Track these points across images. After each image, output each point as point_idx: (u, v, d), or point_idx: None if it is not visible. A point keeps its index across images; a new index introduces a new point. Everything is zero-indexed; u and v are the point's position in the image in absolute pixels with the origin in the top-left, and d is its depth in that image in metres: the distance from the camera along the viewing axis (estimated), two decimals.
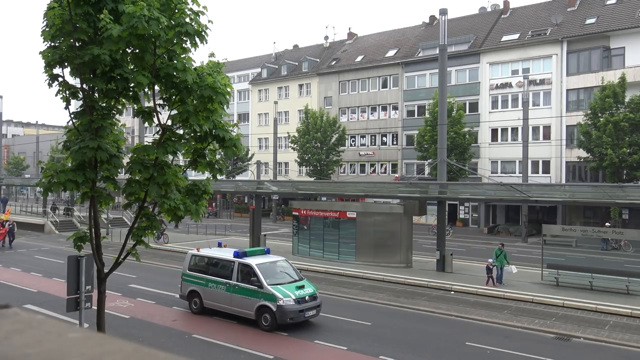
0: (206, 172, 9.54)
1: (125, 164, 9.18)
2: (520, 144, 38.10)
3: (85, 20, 8.32)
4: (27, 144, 74.81)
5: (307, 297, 15.02)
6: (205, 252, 17.44)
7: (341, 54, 56.27)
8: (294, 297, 14.62)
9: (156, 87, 8.96)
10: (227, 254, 16.82)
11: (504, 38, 44.05)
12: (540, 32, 42.45)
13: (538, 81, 40.61)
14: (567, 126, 39.77)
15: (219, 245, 18.49)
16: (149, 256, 24.76)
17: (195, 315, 16.33)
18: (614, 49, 38.73)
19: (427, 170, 38.22)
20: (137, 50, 8.40)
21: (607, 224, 31.45)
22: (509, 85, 42.62)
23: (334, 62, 55.08)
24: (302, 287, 15.27)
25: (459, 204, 44.65)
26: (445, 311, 17.20)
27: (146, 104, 10.00)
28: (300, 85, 56.66)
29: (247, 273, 15.38)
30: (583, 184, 34.57)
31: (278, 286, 14.90)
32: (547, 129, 40.84)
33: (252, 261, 15.57)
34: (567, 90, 40.09)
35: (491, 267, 20.57)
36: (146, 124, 9.43)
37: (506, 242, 36.31)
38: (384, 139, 50.07)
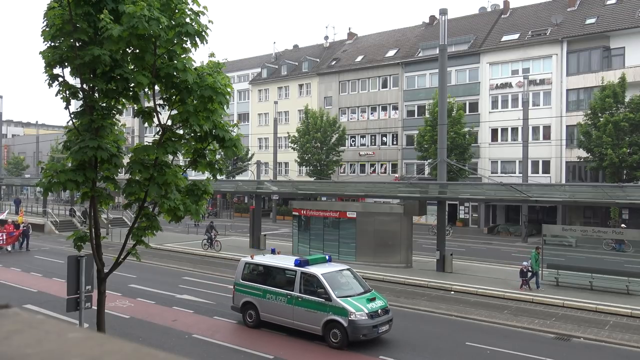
0: (206, 172, 9.54)
1: (125, 164, 9.18)
2: (520, 144, 38.10)
3: (85, 20, 8.32)
4: (27, 144, 74.82)
5: (379, 311, 13.58)
6: (261, 259, 15.96)
7: (341, 54, 56.27)
8: (366, 311, 13.21)
9: (156, 87, 8.96)
10: (285, 261, 15.43)
11: (504, 38, 44.06)
12: (540, 32, 42.46)
13: (538, 81, 40.61)
14: (567, 126, 39.78)
15: (273, 252, 16.90)
16: (149, 256, 24.77)
17: (194, 316, 16.31)
18: (614, 49, 38.73)
19: (427, 170, 38.22)
20: (138, 50, 8.40)
21: (622, 225, 31.13)
22: (509, 85, 42.62)
23: (334, 62, 55.08)
24: (373, 299, 13.82)
25: (459, 204, 44.65)
26: (445, 311, 17.20)
27: (146, 104, 10.00)
28: (300, 85, 56.66)
29: (312, 284, 13.98)
30: (583, 184, 34.57)
31: (348, 298, 13.47)
32: (547, 129, 40.85)
33: (317, 270, 14.11)
34: (567, 90, 40.09)
35: (526, 270, 19.84)
36: (146, 124, 9.43)
37: (506, 242, 36.64)
38: (384, 139, 50.07)
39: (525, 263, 20.14)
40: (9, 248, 29.48)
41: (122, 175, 10.20)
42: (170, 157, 9.45)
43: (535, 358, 12.88)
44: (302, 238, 28.04)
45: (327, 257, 15.66)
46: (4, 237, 29.08)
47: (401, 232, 24.73)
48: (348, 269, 15.11)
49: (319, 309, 13.56)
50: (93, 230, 9.26)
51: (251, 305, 15.08)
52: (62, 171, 8.63)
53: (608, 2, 41.90)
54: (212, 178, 9.70)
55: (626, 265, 20.05)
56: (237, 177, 48.43)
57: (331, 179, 46.28)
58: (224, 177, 35.23)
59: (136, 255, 9.58)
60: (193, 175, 13.46)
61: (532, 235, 37.24)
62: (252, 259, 15.93)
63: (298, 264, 14.54)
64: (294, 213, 29.03)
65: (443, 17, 25.75)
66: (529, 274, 19.96)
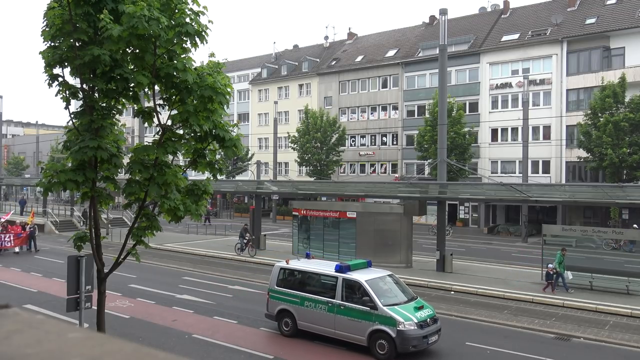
0: (206, 172, 9.54)
1: (125, 164, 9.18)
2: (520, 144, 38.10)
3: (85, 20, 8.32)
4: (27, 144, 74.83)
5: (428, 320, 12.76)
6: (296, 264, 15.02)
7: (341, 54, 56.28)
8: (416, 320, 12.37)
9: (156, 87, 8.96)
10: (323, 266, 14.65)
11: (504, 38, 44.07)
12: (540, 32, 42.47)
13: (538, 81, 40.62)
14: (567, 126, 39.79)
15: (307, 256, 16.15)
16: (149, 256, 24.76)
17: (194, 316, 16.30)
18: (614, 49, 38.74)
19: (427, 170, 38.22)
20: (137, 50, 8.40)
21: (634, 225, 30.67)
22: (509, 85, 42.63)
23: (334, 62, 55.09)
24: (421, 307, 13.03)
25: (459, 204, 44.66)
26: (445, 311, 17.19)
27: (146, 104, 10.00)
28: (300, 85, 56.67)
29: (355, 291, 13.18)
30: (583, 184, 34.58)
31: (395, 307, 12.67)
32: (547, 129, 40.86)
33: (360, 277, 13.25)
34: (567, 90, 40.10)
35: (552, 273, 19.37)
36: (146, 124, 9.43)
37: (506, 242, 36.64)
38: (384, 139, 50.08)
39: (550, 265, 19.43)
40: (17, 249, 28.96)
41: (122, 175, 10.20)
42: (170, 157, 9.45)
43: (535, 358, 12.88)
44: (302, 238, 28.05)
45: (367, 262, 14.72)
46: (12, 239, 28.58)
47: (401, 232, 24.74)
48: (390, 275, 14.19)
49: (364, 318, 12.70)
50: (93, 230, 9.26)
51: (287, 313, 14.22)
52: (62, 171, 8.64)
53: (608, 2, 41.91)
54: (212, 178, 9.71)
55: (626, 265, 20.06)
56: (237, 177, 48.43)
57: (331, 179, 46.28)
58: (224, 177, 35.21)
59: (136, 256, 9.57)
60: (193, 175, 13.46)
61: (532, 235, 37.24)
62: (288, 264, 14.97)
63: (339, 269, 13.69)
64: (294, 213, 29.03)
65: (443, 17, 25.75)
66: (554, 275, 19.36)
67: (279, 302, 14.45)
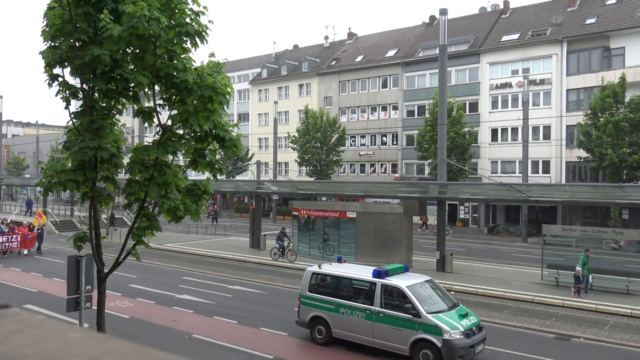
0: (206, 172, 9.54)
1: (125, 164, 9.19)
2: (520, 144, 38.10)
3: (85, 20, 8.32)
4: (27, 144, 74.82)
5: (474, 328, 12.13)
6: (329, 269, 14.29)
7: (341, 54, 56.28)
8: (462, 329, 11.72)
9: (156, 87, 8.96)
10: (360, 271, 14.00)
11: (504, 38, 44.07)
12: (540, 32, 42.47)
13: (538, 81, 40.62)
14: (567, 126, 39.79)
15: (339, 260, 15.40)
16: (149, 256, 24.77)
17: (194, 316, 16.30)
18: (614, 49, 38.74)
19: (427, 170, 38.22)
20: (137, 50, 8.41)
21: None
22: (509, 85, 42.63)
23: (334, 62, 55.09)
24: (465, 315, 12.39)
25: (459, 204, 44.66)
26: None
27: (146, 104, 10.00)
28: (300, 85, 56.67)
29: (395, 297, 12.58)
30: (583, 184, 34.57)
31: (439, 315, 12.00)
32: (547, 129, 40.86)
33: (401, 283, 12.65)
34: (567, 90, 40.10)
35: (581, 276, 18.78)
36: (146, 124, 9.43)
37: (506, 242, 36.64)
38: (384, 139, 50.08)
39: (578, 268, 18.76)
40: (25, 251, 28.47)
41: (122, 175, 10.21)
42: (170, 157, 9.45)
43: (535, 358, 12.88)
44: (302, 238, 28.05)
45: (405, 267, 14.10)
46: (19, 240, 28.04)
47: (401, 232, 24.74)
48: (429, 280, 13.56)
49: (406, 327, 12.01)
50: (93, 230, 9.26)
51: (321, 320, 13.53)
52: (62, 171, 8.64)
53: (608, 2, 41.91)
54: (212, 178, 9.71)
55: (626, 265, 20.06)
56: (237, 177, 48.44)
57: (331, 179, 46.28)
58: (224, 177, 35.22)
59: (136, 256, 9.58)
60: (193, 175, 13.47)
61: (532, 235, 37.24)
62: (320, 268, 14.32)
63: (377, 274, 12.98)
64: (294, 213, 29.02)
65: (443, 17, 25.75)
66: (581, 278, 18.84)
67: (312, 309, 13.75)
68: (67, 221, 41.14)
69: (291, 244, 26.77)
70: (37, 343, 0.83)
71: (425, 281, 13.31)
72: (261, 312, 16.65)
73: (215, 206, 55.25)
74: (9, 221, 30.51)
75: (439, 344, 11.53)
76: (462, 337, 11.62)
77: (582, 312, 17.25)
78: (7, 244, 27.64)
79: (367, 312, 12.71)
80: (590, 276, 19.00)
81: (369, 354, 12.78)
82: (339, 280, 13.90)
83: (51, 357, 0.78)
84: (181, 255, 28.86)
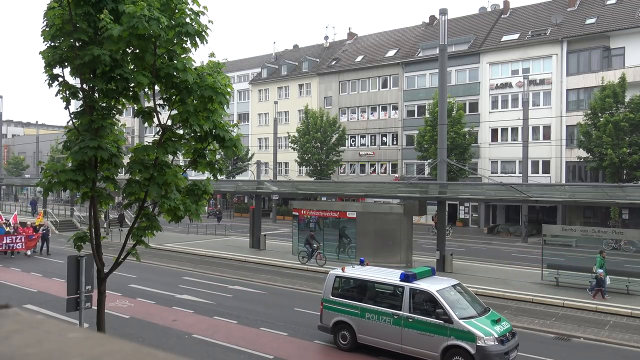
0: (206, 172, 9.54)
1: (125, 164, 9.19)
2: (520, 144, 38.10)
3: (85, 20, 8.32)
4: (27, 144, 74.84)
5: (507, 334, 11.69)
6: (353, 272, 13.86)
7: (341, 54, 56.28)
8: (496, 335, 11.27)
9: (156, 87, 8.96)
10: (385, 275, 13.59)
11: (504, 38, 44.07)
12: (540, 32, 42.47)
13: (538, 81, 40.62)
14: (567, 126, 39.79)
15: (362, 262, 15.08)
16: (149, 256, 24.77)
17: (194, 316, 16.30)
18: (614, 49, 38.74)
19: (427, 170, 38.22)
20: (137, 50, 8.41)
21: None
22: (509, 85, 42.63)
23: (334, 62, 55.09)
24: (498, 320, 11.98)
25: (459, 204, 44.66)
26: None
27: (146, 104, 10.01)
28: (300, 85, 56.68)
29: (424, 302, 12.19)
30: (583, 184, 34.58)
31: (472, 320, 11.58)
32: (547, 129, 40.86)
33: (431, 287, 12.21)
34: (567, 90, 40.10)
35: (602, 278, 18.35)
36: (146, 124, 9.43)
37: (506, 242, 36.63)
38: (384, 139, 50.08)
39: (600, 270, 18.29)
40: (29, 252, 28.14)
41: (122, 175, 10.21)
42: (170, 157, 9.46)
43: (535, 358, 12.88)
44: (302, 238, 28.01)
45: (431, 270, 13.61)
46: (23, 241, 27.67)
47: (401, 232, 24.73)
48: (458, 284, 13.11)
49: (437, 333, 11.57)
50: (93, 230, 9.26)
51: (345, 325, 13.10)
52: (62, 171, 8.64)
53: (608, 2, 41.91)
54: (212, 178, 9.71)
55: (626, 265, 20.05)
56: (237, 177, 48.44)
57: (331, 179, 46.28)
58: (224, 177, 35.21)
59: (136, 256, 9.58)
60: (193, 175, 13.47)
61: (532, 235, 37.25)
62: (344, 271, 13.87)
63: (405, 278, 12.56)
64: (294, 213, 29.01)
65: (443, 17, 25.75)
66: (602, 280, 18.42)
67: (335, 314, 13.31)
68: (67, 221, 41.13)
69: (320, 247, 25.40)
70: (37, 343, 0.83)
71: (454, 285, 12.92)
72: (261, 312, 16.65)
73: (219, 206, 55.36)
74: (11, 222, 30.24)
75: (472, 351, 11.09)
76: (497, 343, 11.19)
77: (582, 312, 17.25)
78: (11, 245, 27.37)
79: (395, 317, 12.28)
80: (607, 278, 18.55)
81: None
82: (364, 284, 13.49)
83: (51, 357, 0.78)
84: (181, 255, 28.85)
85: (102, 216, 36.25)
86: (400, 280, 12.61)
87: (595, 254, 19.22)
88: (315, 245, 25.33)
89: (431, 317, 11.76)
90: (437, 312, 11.64)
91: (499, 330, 11.50)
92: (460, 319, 11.47)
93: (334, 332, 13.39)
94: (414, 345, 11.97)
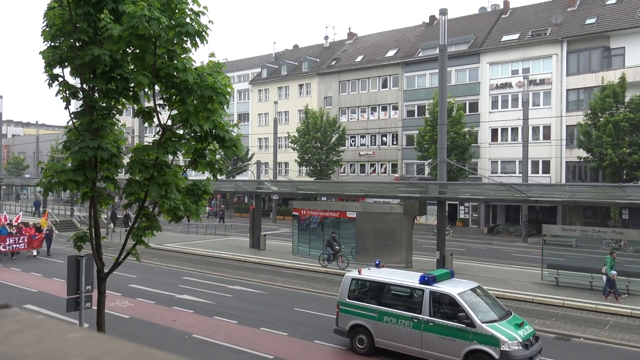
0: (206, 172, 9.54)
1: (125, 164, 9.19)
2: (520, 144, 38.10)
3: (85, 20, 8.32)
4: (27, 144, 74.84)
5: (531, 338, 11.42)
6: (370, 274, 13.59)
7: (341, 54, 56.28)
8: (520, 340, 11.02)
9: (156, 87, 8.96)
10: (403, 277, 13.40)
11: (504, 38, 44.07)
12: (540, 32, 42.47)
13: (538, 81, 40.62)
14: (567, 126, 39.79)
15: (377, 264, 14.73)
16: (149, 256, 24.76)
17: (194, 316, 16.29)
18: (614, 49, 38.74)
19: (427, 170, 38.22)
20: (138, 50, 8.41)
21: None
22: (509, 85, 42.62)
23: (334, 62, 55.09)
24: (521, 324, 11.68)
25: (459, 204, 44.65)
26: None
27: (146, 104, 10.00)
28: (300, 85, 56.67)
29: (445, 305, 11.96)
30: (583, 184, 34.57)
31: (495, 324, 11.32)
32: (547, 129, 40.86)
33: (451, 290, 11.98)
34: (567, 90, 40.10)
35: (614, 279, 18.17)
36: (146, 124, 9.43)
37: (506, 242, 36.64)
38: (384, 139, 50.08)
39: (613, 272, 18.05)
40: (35, 252, 27.90)
41: (122, 175, 10.21)
42: (170, 157, 9.45)
43: None
44: (302, 238, 28.04)
45: (450, 272, 13.40)
46: (26, 241, 27.44)
47: (401, 232, 24.73)
48: (479, 287, 12.86)
49: (459, 337, 11.31)
50: (93, 230, 9.26)
51: (362, 329, 12.84)
52: (62, 171, 8.64)
53: (608, 2, 41.90)
54: (212, 178, 9.70)
55: (626, 265, 20.05)
56: (237, 177, 48.44)
57: (331, 179, 46.28)
58: (224, 177, 35.20)
59: (136, 256, 9.58)
60: (193, 175, 13.46)
61: (532, 235, 37.25)
62: (360, 274, 13.61)
63: (425, 280, 12.27)
64: (294, 213, 29.00)
65: (443, 17, 25.74)
66: (613, 281, 18.22)
67: (352, 317, 13.05)
68: (67, 221, 41.12)
69: (342, 249, 24.59)
70: (37, 343, 0.83)
71: (475, 287, 12.64)
72: (261, 312, 16.66)
73: (222, 206, 55.40)
74: (15, 224, 30.02)
75: (496, 356, 10.87)
76: (521, 348, 10.93)
77: (582, 312, 17.25)
78: (14, 245, 27.12)
79: (415, 320, 12.01)
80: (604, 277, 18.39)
81: None
82: (382, 287, 13.22)
83: (51, 357, 0.78)
84: (181, 255, 28.85)
85: (107, 216, 36.30)
86: (419, 283, 12.36)
87: (595, 254, 19.23)
88: (337, 247, 24.54)
89: (452, 321, 11.49)
90: (459, 315, 11.36)
91: (523, 335, 11.24)
92: (482, 322, 11.23)
93: (350, 335, 13.12)
94: (434, 350, 11.73)
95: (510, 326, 11.42)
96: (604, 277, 18.48)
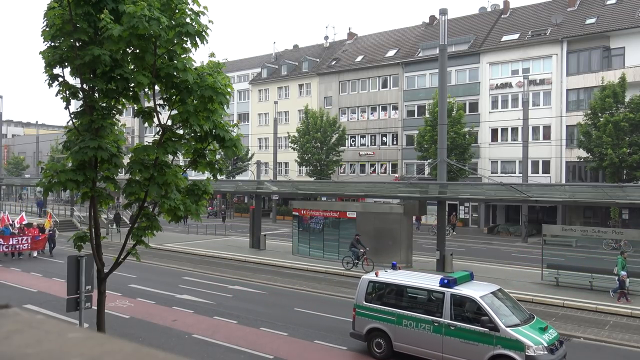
0: (206, 172, 9.54)
1: (125, 164, 9.19)
2: (520, 144, 38.11)
3: (85, 20, 8.32)
4: (27, 144, 74.84)
5: (556, 343, 11.17)
6: (387, 277, 13.28)
7: (341, 54, 56.27)
8: (545, 344, 10.74)
9: (156, 87, 8.96)
10: (422, 279, 13.11)
11: (504, 38, 44.06)
12: (540, 32, 42.46)
13: (538, 81, 40.61)
14: (567, 126, 39.79)
15: (394, 266, 14.39)
16: (149, 256, 24.76)
17: (194, 316, 16.29)
18: (614, 49, 38.74)
19: (427, 170, 38.22)
20: (138, 50, 8.41)
21: None
22: (509, 85, 42.62)
23: (334, 62, 55.09)
24: (545, 328, 11.45)
25: (459, 204, 44.66)
26: None
27: (146, 104, 10.00)
28: (300, 85, 56.67)
29: (466, 308, 11.71)
30: (583, 184, 34.57)
31: (519, 328, 11.05)
32: (547, 129, 40.86)
33: (473, 292, 11.70)
34: (567, 90, 40.10)
35: (625, 280, 17.98)
36: (146, 124, 9.43)
37: (506, 242, 36.64)
38: (384, 139, 50.08)
39: (623, 273, 17.92)
40: (35, 254, 27.73)
41: (122, 175, 10.20)
42: (170, 157, 9.45)
43: None
44: (302, 238, 28.04)
45: (470, 274, 13.06)
46: (29, 242, 27.26)
47: (401, 232, 24.73)
48: (500, 289, 12.62)
49: (482, 341, 11.02)
50: (93, 230, 9.26)
51: (380, 332, 12.56)
52: (62, 171, 8.64)
53: (608, 2, 41.90)
54: (212, 178, 9.70)
55: (626, 265, 20.02)
56: (237, 177, 48.44)
57: (331, 179, 46.28)
58: (224, 177, 35.19)
59: (136, 256, 9.59)
60: (193, 175, 13.46)
61: (532, 235, 37.25)
62: (377, 276, 13.29)
63: (445, 283, 11.99)
64: (294, 213, 29.00)
65: (443, 17, 25.75)
66: (624, 282, 18.02)
67: (369, 320, 12.75)
68: (67, 221, 41.11)
69: (367, 252, 23.70)
70: (37, 343, 0.83)
71: (496, 290, 12.35)
72: (261, 312, 16.66)
73: (223, 206, 55.41)
74: (18, 225, 29.89)
75: None
76: (546, 353, 10.66)
77: (582, 312, 17.25)
78: (17, 246, 26.93)
79: (436, 324, 11.72)
80: (627, 280, 18.19)
81: None
82: (401, 289, 12.90)
83: (51, 357, 0.78)
84: (181, 255, 28.85)
85: (107, 216, 36.26)
86: (440, 286, 12.09)
87: (596, 254, 19.20)
88: (362, 249, 23.73)
89: (475, 325, 11.21)
90: (483, 319, 11.07)
91: (548, 339, 11.00)
92: (506, 326, 10.98)
93: (367, 339, 12.83)
94: (456, 355, 11.44)
95: (535, 330, 11.17)
96: (617, 278, 18.29)
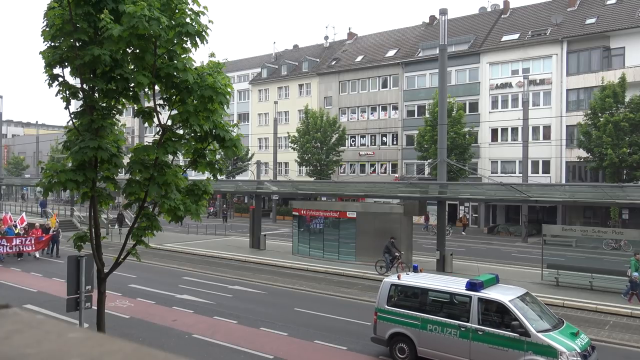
0: (206, 172, 9.53)
1: (125, 164, 9.18)
2: (520, 144, 38.11)
3: (85, 20, 8.32)
4: (27, 144, 74.86)
5: (588, 349, 10.84)
6: (410, 280, 12.92)
7: (341, 54, 56.29)
8: (579, 350, 10.41)
9: (156, 87, 8.96)
10: (446, 282, 12.88)
11: (504, 38, 44.07)
12: (540, 32, 42.47)
13: (538, 81, 40.62)
14: (567, 126, 39.80)
15: (415, 269, 14.01)
16: (149, 256, 24.75)
17: (194, 316, 16.29)
18: (614, 49, 38.75)
19: (427, 170, 38.23)
20: (138, 50, 8.40)
21: None
22: (509, 85, 42.63)
23: (334, 62, 55.09)
24: (576, 333, 11.13)
25: (459, 204, 44.66)
26: None
27: (146, 104, 10.00)
28: (300, 85, 56.68)
29: (494, 313, 11.36)
30: (583, 184, 34.58)
31: (551, 334, 10.68)
32: (547, 129, 40.86)
33: (502, 296, 11.33)
34: (567, 90, 40.11)
35: (638, 281, 17.90)
36: (146, 124, 9.43)
37: (506, 242, 36.64)
38: (384, 139, 50.09)
39: (636, 274, 17.76)
40: (37, 254, 27.47)
41: (122, 175, 10.20)
42: (170, 157, 9.45)
43: None
44: (302, 238, 28.03)
45: (495, 277, 12.62)
46: (32, 242, 27.02)
47: (401, 232, 24.73)
48: (527, 293, 12.20)
49: (512, 347, 10.68)
50: (93, 230, 9.26)
51: (404, 337, 12.18)
52: (62, 171, 8.63)
53: (608, 2, 41.91)
54: (212, 178, 9.70)
55: (626, 265, 20.04)
56: (237, 177, 48.44)
57: (331, 179, 46.28)
58: (224, 177, 35.19)
59: (136, 255, 9.58)
60: (193, 175, 13.47)
61: (532, 235, 37.25)
62: (400, 279, 12.95)
63: (472, 287, 11.62)
64: (294, 213, 28.99)
65: (443, 17, 25.76)
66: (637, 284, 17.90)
67: (392, 324, 12.40)
68: (67, 221, 41.06)
69: (402, 256, 22.94)
70: (37, 343, 0.83)
71: (524, 294, 11.92)
72: (261, 312, 16.66)
73: (225, 206, 55.41)
74: (21, 225, 29.75)
75: None
76: (579, 359, 10.32)
77: (582, 312, 17.25)
78: (20, 247, 26.65)
79: (462, 329, 11.34)
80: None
81: None
82: (425, 293, 12.47)
83: (51, 357, 0.78)
84: (181, 255, 28.85)
85: (107, 216, 36.22)
86: (466, 289, 11.72)
87: (596, 254, 19.20)
88: (396, 253, 22.86)
89: (504, 330, 10.87)
90: (513, 324, 10.71)
91: (580, 345, 10.64)
92: (537, 332, 10.64)
93: (390, 344, 12.47)
94: None
95: (567, 336, 10.85)
96: (628, 280, 18.18)
